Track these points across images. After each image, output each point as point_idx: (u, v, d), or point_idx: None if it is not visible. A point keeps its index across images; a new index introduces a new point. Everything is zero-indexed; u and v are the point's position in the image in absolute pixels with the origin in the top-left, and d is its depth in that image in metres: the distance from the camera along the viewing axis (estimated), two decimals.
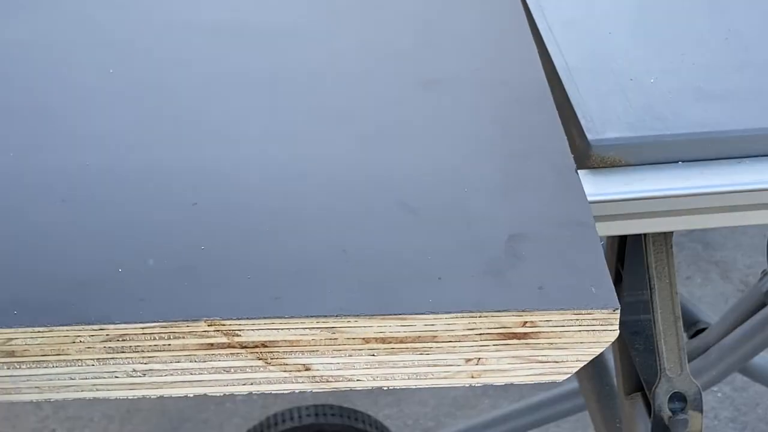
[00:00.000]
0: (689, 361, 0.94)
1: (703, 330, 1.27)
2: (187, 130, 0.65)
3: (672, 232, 0.89)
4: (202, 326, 0.51)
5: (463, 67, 0.71)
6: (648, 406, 0.92)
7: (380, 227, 0.57)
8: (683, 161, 0.70)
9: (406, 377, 0.53)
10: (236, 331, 0.51)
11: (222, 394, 0.54)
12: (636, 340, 0.90)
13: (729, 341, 1.19)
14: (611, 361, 1.05)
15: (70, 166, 0.62)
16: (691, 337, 1.26)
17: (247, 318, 0.51)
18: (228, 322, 0.51)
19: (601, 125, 0.66)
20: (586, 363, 0.53)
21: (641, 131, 0.69)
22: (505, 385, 0.54)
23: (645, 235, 0.88)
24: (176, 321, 0.51)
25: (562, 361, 0.54)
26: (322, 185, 0.60)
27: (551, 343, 0.53)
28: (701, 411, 0.90)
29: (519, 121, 0.66)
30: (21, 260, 0.54)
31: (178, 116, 0.66)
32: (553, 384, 1.53)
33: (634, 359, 0.92)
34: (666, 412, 0.90)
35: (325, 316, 0.51)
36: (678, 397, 0.90)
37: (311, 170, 0.61)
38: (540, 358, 0.53)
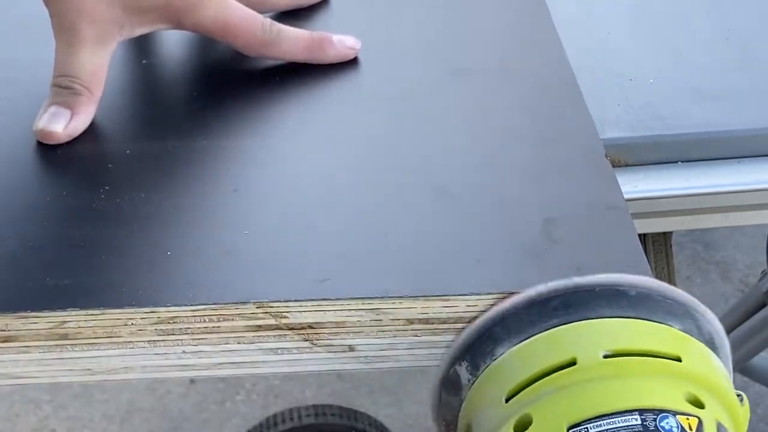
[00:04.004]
0: None
1: None
2: (225, 117, 0.66)
3: (672, 232, 0.89)
4: (251, 308, 0.52)
5: (490, 57, 0.72)
6: None
7: (418, 211, 0.58)
8: (683, 161, 0.70)
9: (442, 363, 0.54)
10: (284, 313, 0.52)
11: (270, 375, 0.54)
12: None
13: (729, 341, 1.19)
14: None
15: (116, 153, 0.63)
16: None
17: (295, 300, 0.52)
18: (276, 304, 0.52)
19: (600, 125, 0.66)
20: None
21: (641, 131, 0.69)
22: None
23: (645, 235, 0.88)
24: (226, 303, 0.52)
25: None
26: (360, 170, 0.62)
27: None
28: None
29: (548, 108, 0.67)
30: (74, 245, 0.55)
31: (212, 105, 0.68)
32: None
33: None
34: None
35: (371, 298, 0.52)
36: None
37: (349, 156, 0.63)
38: None
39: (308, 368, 0.54)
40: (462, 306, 0.53)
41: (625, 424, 0.46)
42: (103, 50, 0.64)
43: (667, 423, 0.46)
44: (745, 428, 0.51)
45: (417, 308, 0.53)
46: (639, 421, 0.46)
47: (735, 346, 1.19)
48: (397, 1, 0.79)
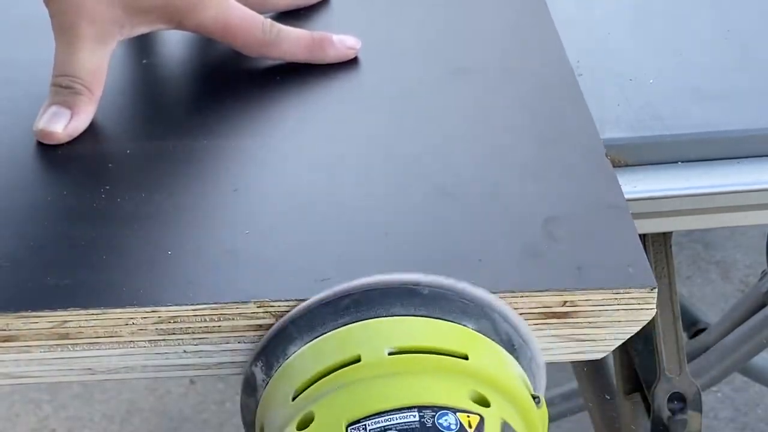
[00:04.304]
0: (689, 362, 0.94)
1: (703, 330, 1.27)
2: (226, 116, 0.66)
3: (672, 232, 0.89)
4: (251, 308, 0.52)
5: (490, 56, 0.72)
6: (647, 406, 0.92)
7: (418, 211, 0.58)
8: (683, 161, 0.70)
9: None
10: (285, 312, 0.52)
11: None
12: (635, 340, 0.90)
13: (729, 341, 1.19)
14: (610, 361, 1.05)
15: (116, 153, 0.63)
16: (691, 337, 1.26)
17: (296, 299, 0.52)
18: (277, 303, 0.52)
19: (600, 125, 0.66)
20: (623, 341, 0.55)
21: (640, 131, 0.69)
22: None
23: (644, 235, 0.88)
24: (226, 303, 0.52)
25: (600, 340, 0.55)
26: (360, 170, 0.62)
27: (590, 322, 0.54)
28: (701, 411, 0.90)
29: (548, 107, 0.67)
30: (75, 245, 0.56)
31: (212, 105, 0.68)
32: (553, 384, 1.53)
33: (634, 359, 0.92)
34: (665, 413, 0.90)
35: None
36: (677, 398, 0.90)
37: (349, 156, 0.63)
38: (579, 337, 0.55)
39: None
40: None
41: (402, 420, 0.46)
42: (102, 50, 0.64)
43: (446, 420, 0.46)
44: (543, 429, 0.50)
45: None
46: (417, 418, 0.46)
47: (735, 346, 1.19)
48: (397, 1, 0.79)
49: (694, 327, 1.29)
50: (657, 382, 0.90)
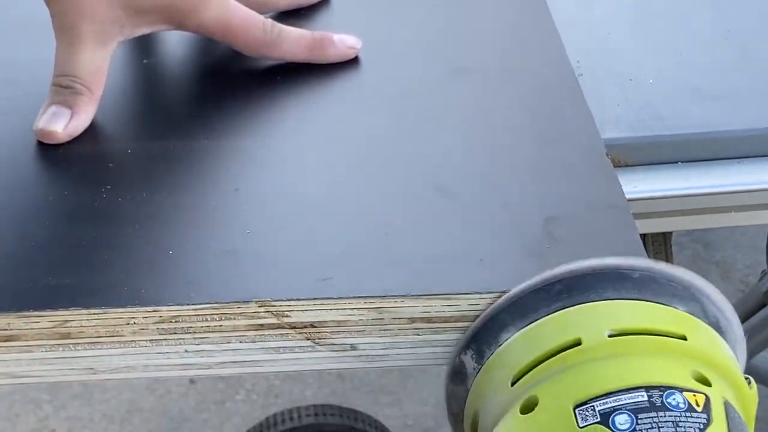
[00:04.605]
0: None
1: None
2: (226, 116, 0.66)
3: (672, 232, 0.89)
4: (252, 307, 0.52)
5: (490, 56, 0.72)
6: None
7: (419, 211, 0.58)
8: (683, 161, 0.70)
9: (450, 356, 0.54)
10: (286, 312, 0.53)
11: (273, 373, 0.55)
12: None
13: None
14: None
15: (117, 153, 0.63)
16: None
17: (297, 299, 0.52)
18: (278, 303, 0.52)
19: (600, 125, 0.66)
20: None
21: (640, 131, 0.69)
22: None
23: (644, 235, 0.88)
24: (228, 302, 0.52)
25: None
26: (361, 169, 0.62)
27: None
28: None
29: (548, 107, 0.67)
30: (76, 245, 0.56)
31: (212, 105, 0.68)
32: None
33: None
34: None
35: (372, 297, 0.53)
36: None
37: (350, 155, 0.63)
38: None
39: (310, 367, 0.54)
40: (464, 304, 0.53)
41: (631, 400, 0.46)
42: (103, 50, 0.65)
43: (674, 399, 0.46)
44: (754, 411, 0.51)
45: (419, 307, 0.53)
46: (645, 398, 0.46)
47: None
48: (397, 1, 0.79)
49: None
50: None
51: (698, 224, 0.74)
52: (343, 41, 0.70)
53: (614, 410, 0.46)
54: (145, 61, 0.72)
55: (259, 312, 0.52)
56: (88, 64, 0.64)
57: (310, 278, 0.53)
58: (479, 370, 0.52)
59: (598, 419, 0.46)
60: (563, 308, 0.51)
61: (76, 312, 0.52)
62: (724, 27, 0.80)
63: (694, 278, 0.52)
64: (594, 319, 0.50)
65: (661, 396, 0.46)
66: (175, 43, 0.73)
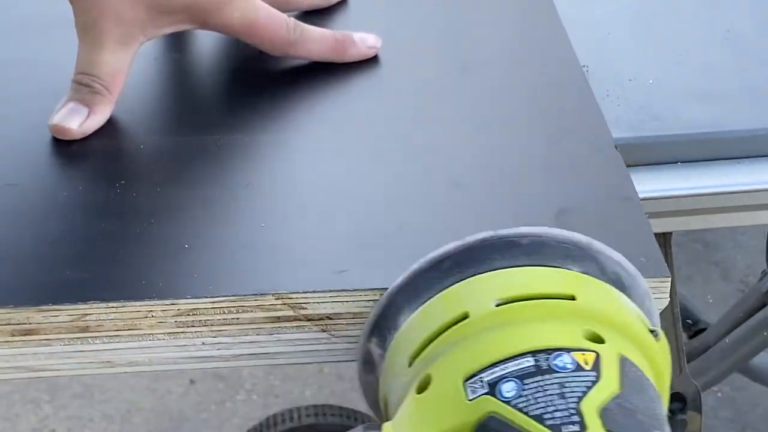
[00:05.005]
0: (689, 362, 0.94)
1: (702, 330, 1.27)
2: (241, 112, 0.67)
3: (672, 232, 0.89)
4: (269, 300, 0.53)
5: (498, 52, 0.72)
6: None
7: (432, 204, 0.59)
8: (683, 161, 0.70)
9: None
10: (302, 304, 0.53)
11: (289, 364, 0.56)
12: None
13: (729, 341, 1.19)
14: None
15: (130, 148, 0.64)
16: (691, 337, 1.26)
17: (313, 291, 0.53)
18: (295, 296, 0.53)
19: None
20: None
21: (641, 131, 0.69)
22: None
23: None
24: (245, 295, 0.53)
25: None
26: (375, 164, 0.62)
27: None
28: (700, 411, 0.91)
29: (558, 101, 0.68)
30: (92, 239, 0.56)
31: (227, 100, 0.68)
32: None
33: None
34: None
35: (388, 289, 0.53)
36: (677, 398, 0.90)
37: (364, 150, 0.64)
38: None
39: (326, 359, 0.55)
40: None
41: (518, 367, 0.46)
42: (124, 51, 0.65)
43: (561, 360, 0.46)
44: (665, 362, 0.50)
45: None
46: (532, 362, 0.46)
47: (735, 346, 1.19)
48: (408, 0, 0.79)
49: (694, 327, 1.29)
50: None
51: (698, 224, 0.74)
52: (364, 41, 0.71)
53: (501, 378, 0.46)
54: (157, 57, 0.72)
55: (276, 305, 0.53)
56: (108, 64, 0.64)
57: (327, 271, 0.54)
58: (384, 355, 0.52)
59: (486, 390, 0.46)
60: (453, 284, 0.51)
61: (95, 306, 0.52)
62: (724, 27, 0.80)
63: (590, 240, 0.52)
64: (480, 290, 0.50)
65: (548, 359, 0.46)
66: (189, 40, 0.73)
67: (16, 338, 0.53)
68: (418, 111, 0.67)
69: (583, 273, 0.51)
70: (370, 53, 0.71)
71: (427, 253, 0.53)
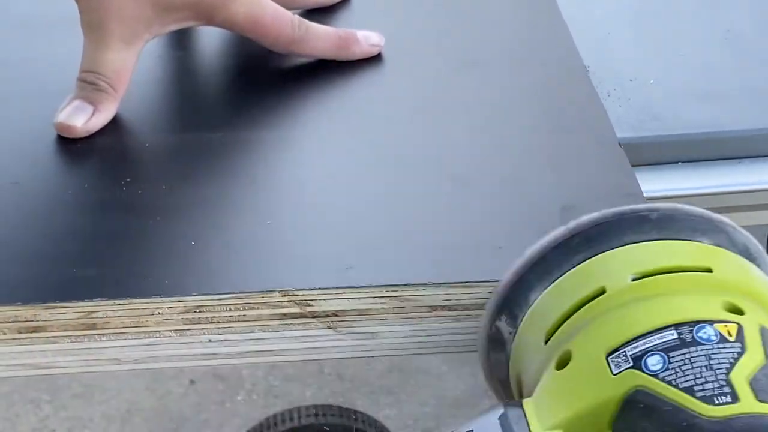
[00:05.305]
0: None
1: None
2: (246, 109, 0.67)
3: None
4: (276, 297, 0.53)
5: (500, 49, 0.73)
6: None
7: (437, 201, 0.60)
8: (683, 161, 0.70)
9: (471, 344, 0.55)
10: (309, 301, 0.53)
11: (296, 362, 0.57)
12: None
13: None
14: None
15: (136, 146, 0.64)
16: None
17: (319, 288, 0.53)
18: (301, 293, 0.53)
19: None
20: None
21: (641, 131, 0.69)
22: None
23: None
24: (251, 292, 0.53)
25: None
26: (380, 161, 0.63)
27: None
28: None
29: (560, 98, 0.68)
30: (98, 237, 0.56)
31: (232, 98, 0.69)
32: None
33: None
34: None
35: (394, 286, 0.53)
36: None
37: (369, 147, 0.64)
38: None
39: (332, 356, 0.55)
40: (484, 292, 0.54)
41: (661, 340, 0.46)
42: (129, 49, 0.65)
43: (705, 332, 0.46)
44: None
45: (440, 295, 0.54)
46: (675, 336, 0.46)
47: None
48: None
49: None
50: None
51: None
52: (367, 39, 0.71)
53: (646, 352, 0.45)
54: (162, 54, 0.72)
55: (282, 301, 0.53)
56: (113, 62, 0.65)
57: (332, 268, 0.54)
58: (515, 334, 0.52)
59: (631, 364, 0.45)
60: (585, 260, 0.51)
61: (102, 303, 0.52)
62: (724, 27, 0.80)
63: (714, 214, 0.52)
64: (615, 265, 0.50)
65: (691, 331, 0.46)
66: (195, 38, 0.73)
67: (24, 335, 0.53)
68: (422, 108, 0.67)
69: (715, 245, 0.51)
70: (374, 51, 0.71)
71: (432, 249, 0.53)
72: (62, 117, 0.64)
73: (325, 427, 1.40)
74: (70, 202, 0.59)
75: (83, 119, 0.63)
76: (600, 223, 0.51)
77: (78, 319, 0.53)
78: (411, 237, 0.57)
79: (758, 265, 0.52)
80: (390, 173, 0.62)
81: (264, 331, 0.54)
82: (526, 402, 0.47)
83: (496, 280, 0.53)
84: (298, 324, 0.54)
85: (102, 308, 0.52)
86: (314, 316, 0.54)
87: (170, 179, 0.61)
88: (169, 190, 0.60)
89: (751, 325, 0.47)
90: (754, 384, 0.44)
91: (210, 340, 0.54)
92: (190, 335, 0.54)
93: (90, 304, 0.52)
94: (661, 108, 0.72)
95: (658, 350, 0.45)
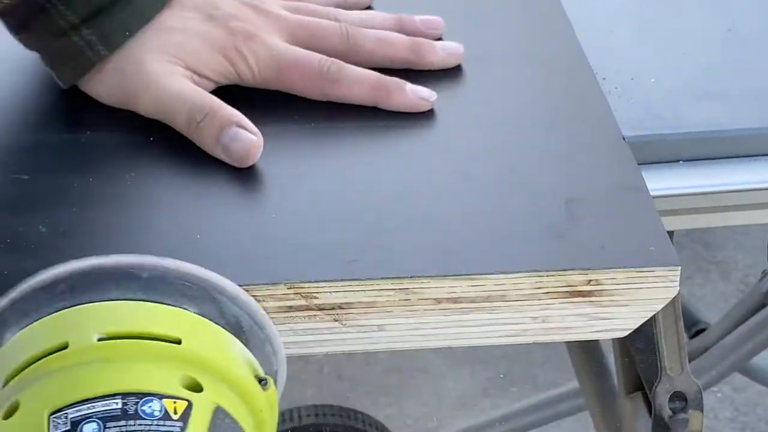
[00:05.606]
0: (689, 362, 0.94)
1: (703, 330, 1.27)
2: (251, 102, 0.66)
3: (672, 232, 0.89)
4: (281, 289, 0.53)
5: (503, 45, 0.73)
6: (648, 405, 0.92)
7: (442, 194, 0.60)
8: (683, 161, 0.70)
9: (476, 336, 0.56)
10: (314, 294, 0.53)
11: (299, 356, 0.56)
12: (636, 339, 0.90)
13: (729, 341, 1.19)
14: (611, 360, 1.05)
15: (140, 141, 0.64)
16: (692, 337, 1.26)
17: (325, 281, 0.53)
18: (306, 285, 0.53)
19: None
20: (646, 319, 0.56)
21: (641, 131, 0.69)
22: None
23: None
24: (257, 285, 0.53)
25: (623, 318, 0.56)
26: (383, 154, 0.63)
27: (613, 301, 0.55)
28: (702, 410, 0.90)
29: (564, 92, 0.68)
30: (104, 230, 0.57)
31: (236, 91, 0.68)
32: (553, 384, 1.53)
33: (635, 359, 0.92)
34: (666, 412, 0.90)
35: (400, 278, 0.54)
36: (678, 397, 0.90)
37: (371, 140, 0.64)
38: (602, 316, 0.56)
39: (338, 349, 0.55)
40: (489, 285, 0.54)
41: (105, 408, 0.45)
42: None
43: (150, 406, 0.45)
44: (270, 412, 0.50)
45: (445, 287, 0.54)
46: (120, 405, 0.45)
47: (735, 346, 1.19)
48: None
49: (694, 327, 1.29)
50: (658, 382, 0.90)
51: (699, 224, 0.74)
52: (416, 92, 0.66)
53: (85, 418, 0.45)
54: None
55: (288, 294, 0.53)
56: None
57: (338, 260, 0.54)
58: None
59: (68, 427, 0.44)
60: (64, 308, 0.49)
61: None
62: (724, 27, 0.80)
63: (214, 278, 0.51)
64: (86, 321, 0.49)
65: (137, 403, 0.45)
66: None
67: None
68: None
69: (199, 314, 0.50)
70: (423, 106, 0.66)
71: (437, 242, 0.53)
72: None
73: (325, 427, 1.40)
74: (74, 196, 0.59)
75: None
76: (88, 272, 0.50)
77: None
78: (416, 230, 0.57)
79: (247, 340, 0.51)
80: (395, 166, 0.62)
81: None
82: None
83: (502, 273, 0.54)
84: (304, 317, 0.54)
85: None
86: (320, 308, 0.54)
87: (175, 172, 0.61)
88: (175, 183, 0.60)
89: (204, 404, 0.46)
90: None
91: None
92: None
93: None
94: (661, 107, 0.72)
95: (98, 418, 0.45)
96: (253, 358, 0.51)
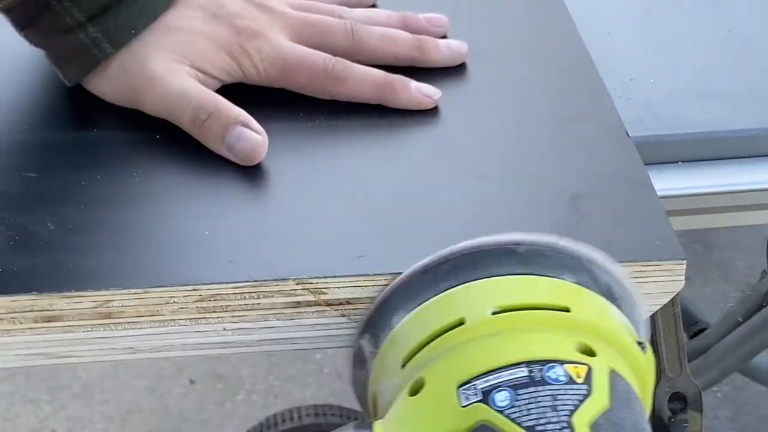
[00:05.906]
0: (689, 362, 0.94)
1: (703, 330, 1.27)
2: (257, 99, 0.67)
3: None
4: (290, 285, 0.53)
5: (506, 40, 0.73)
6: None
7: (448, 190, 0.60)
8: (683, 161, 0.70)
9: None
10: (322, 289, 0.54)
11: (310, 349, 0.56)
12: None
13: (729, 341, 1.19)
14: None
15: (147, 138, 0.64)
16: (691, 337, 1.26)
17: (333, 276, 0.53)
18: (315, 280, 0.53)
19: None
20: (652, 313, 0.56)
21: (641, 131, 0.69)
22: None
23: None
24: (265, 280, 0.53)
25: None
26: (390, 150, 0.64)
27: None
28: (701, 411, 0.90)
29: (567, 88, 0.69)
30: (112, 227, 0.57)
31: (243, 89, 0.68)
32: None
33: None
34: (666, 413, 0.90)
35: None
36: (678, 398, 0.90)
37: (377, 136, 0.65)
38: None
39: (346, 343, 0.55)
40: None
41: (512, 377, 0.46)
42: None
43: (554, 372, 0.46)
44: (650, 375, 0.51)
45: None
46: (526, 373, 0.46)
47: (735, 346, 1.19)
48: None
49: (694, 327, 1.29)
50: (657, 382, 0.90)
51: (699, 224, 0.74)
52: (420, 89, 0.66)
53: (495, 387, 0.46)
54: None
55: (296, 289, 0.53)
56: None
57: (346, 256, 0.55)
58: (376, 353, 0.52)
59: (480, 398, 0.46)
60: (450, 288, 0.51)
61: (117, 292, 0.53)
62: (724, 27, 0.80)
63: (583, 249, 0.52)
64: (477, 297, 0.50)
65: (541, 370, 0.46)
66: None
67: (39, 325, 0.53)
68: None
69: (577, 283, 0.52)
70: (426, 103, 0.66)
71: (443, 238, 0.53)
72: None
73: (325, 427, 1.39)
74: (82, 193, 0.59)
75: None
76: (469, 252, 0.52)
77: (93, 308, 0.53)
78: (423, 225, 0.57)
79: (619, 306, 0.52)
80: (401, 163, 0.62)
81: (278, 319, 0.54)
82: (376, 424, 0.48)
83: None
84: (312, 312, 0.54)
85: (117, 297, 0.53)
86: (328, 304, 0.54)
87: (183, 170, 0.61)
88: (182, 180, 0.60)
89: (600, 367, 0.47)
90: (595, 428, 0.45)
91: (225, 329, 0.54)
92: (205, 324, 0.54)
93: (105, 293, 0.52)
94: (661, 107, 0.72)
95: (507, 386, 0.46)
96: (629, 323, 0.52)
